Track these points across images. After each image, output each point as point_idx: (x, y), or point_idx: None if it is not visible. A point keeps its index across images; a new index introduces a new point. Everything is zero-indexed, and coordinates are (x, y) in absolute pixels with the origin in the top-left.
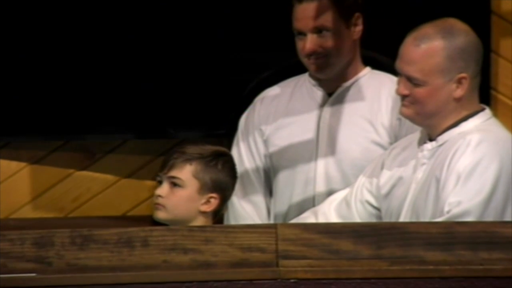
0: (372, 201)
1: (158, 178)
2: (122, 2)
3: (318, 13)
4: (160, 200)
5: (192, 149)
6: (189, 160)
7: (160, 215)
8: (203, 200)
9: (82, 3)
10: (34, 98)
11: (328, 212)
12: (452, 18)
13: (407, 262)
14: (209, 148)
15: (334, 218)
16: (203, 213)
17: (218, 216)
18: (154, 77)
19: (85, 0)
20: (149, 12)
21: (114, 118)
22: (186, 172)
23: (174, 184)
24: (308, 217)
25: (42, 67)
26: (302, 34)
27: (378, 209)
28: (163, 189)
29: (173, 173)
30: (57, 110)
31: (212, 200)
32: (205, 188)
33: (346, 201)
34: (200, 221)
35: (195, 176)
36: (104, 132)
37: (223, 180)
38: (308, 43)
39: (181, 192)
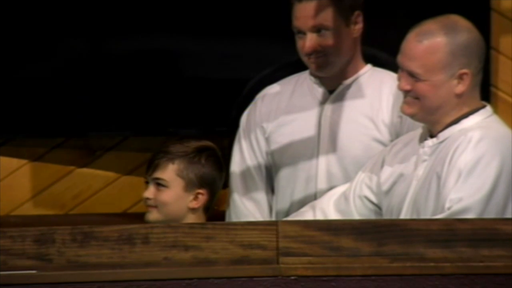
0: (371, 197)
1: (146, 180)
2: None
3: (317, 12)
4: (148, 202)
5: (176, 148)
6: (171, 159)
7: (151, 217)
8: (191, 197)
9: (82, 2)
10: (35, 95)
11: (327, 207)
12: (455, 14)
13: (408, 259)
14: (192, 144)
15: (332, 213)
16: (193, 209)
17: (209, 211)
18: (154, 74)
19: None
20: (149, 9)
21: (114, 115)
22: (169, 172)
23: (159, 185)
24: (306, 212)
25: (43, 64)
26: (302, 32)
27: (376, 205)
28: (150, 191)
29: (157, 174)
30: (58, 108)
31: (200, 196)
32: (191, 185)
33: (345, 196)
34: (191, 218)
35: (179, 174)
36: (105, 129)
37: (208, 175)
38: (307, 42)
39: (167, 192)
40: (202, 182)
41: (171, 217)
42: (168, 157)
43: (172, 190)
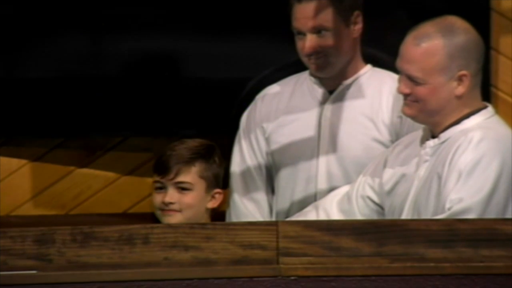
0: (374, 197)
1: (159, 185)
2: (121, 2)
3: (317, 13)
4: (171, 207)
5: (187, 150)
6: (191, 162)
7: (174, 220)
8: (209, 197)
9: (83, 3)
10: (35, 95)
11: (330, 207)
12: (452, 16)
13: (408, 260)
14: (200, 145)
15: (335, 213)
16: (207, 209)
17: (214, 210)
18: (154, 74)
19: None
20: (150, 10)
21: (114, 115)
22: (192, 175)
23: (182, 189)
24: (309, 211)
25: (43, 64)
26: (302, 33)
27: (379, 205)
28: (172, 195)
29: (181, 178)
30: (58, 108)
31: (217, 195)
32: (210, 185)
33: (347, 196)
34: (205, 218)
35: (201, 176)
36: (105, 129)
37: (221, 173)
38: (307, 43)
39: (191, 194)
40: (218, 181)
41: (193, 219)
42: (186, 160)
43: (196, 192)
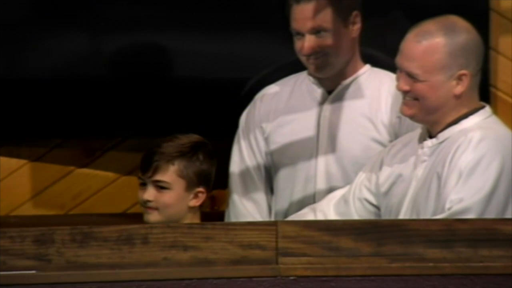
0: (371, 198)
1: (141, 181)
2: (121, 2)
3: (316, 14)
4: (149, 204)
5: (171, 148)
6: (170, 160)
7: (152, 218)
8: (191, 196)
9: (82, 4)
10: (34, 95)
11: (327, 210)
12: (454, 15)
13: (407, 260)
14: (186, 142)
15: (332, 216)
16: (191, 208)
17: (202, 207)
18: (153, 74)
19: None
20: (150, 10)
21: (114, 115)
22: (170, 174)
23: (161, 187)
24: (306, 214)
25: (42, 64)
26: (300, 34)
27: (376, 207)
28: (150, 193)
29: (158, 177)
30: (58, 108)
31: (200, 194)
32: (191, 184)
33: (344, 199)
34: (189, 217)
35: (180, 175)
36: (104, 129)
37: (206, 171)
38: (306, 43)
39: (169, 194)
40: (201, 180)
41: (172, 218)
42: (166, 159)
43: (174, 192)
